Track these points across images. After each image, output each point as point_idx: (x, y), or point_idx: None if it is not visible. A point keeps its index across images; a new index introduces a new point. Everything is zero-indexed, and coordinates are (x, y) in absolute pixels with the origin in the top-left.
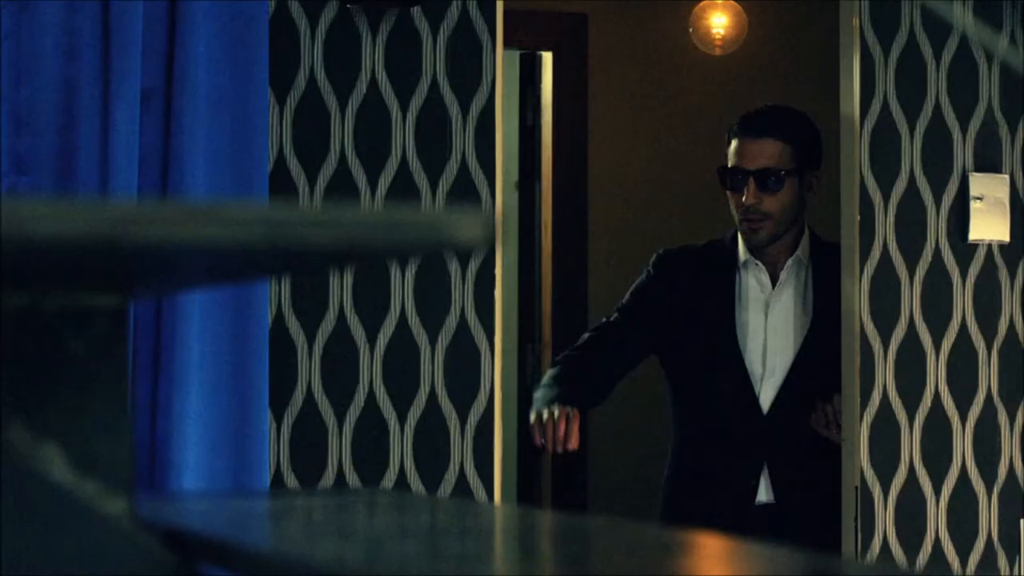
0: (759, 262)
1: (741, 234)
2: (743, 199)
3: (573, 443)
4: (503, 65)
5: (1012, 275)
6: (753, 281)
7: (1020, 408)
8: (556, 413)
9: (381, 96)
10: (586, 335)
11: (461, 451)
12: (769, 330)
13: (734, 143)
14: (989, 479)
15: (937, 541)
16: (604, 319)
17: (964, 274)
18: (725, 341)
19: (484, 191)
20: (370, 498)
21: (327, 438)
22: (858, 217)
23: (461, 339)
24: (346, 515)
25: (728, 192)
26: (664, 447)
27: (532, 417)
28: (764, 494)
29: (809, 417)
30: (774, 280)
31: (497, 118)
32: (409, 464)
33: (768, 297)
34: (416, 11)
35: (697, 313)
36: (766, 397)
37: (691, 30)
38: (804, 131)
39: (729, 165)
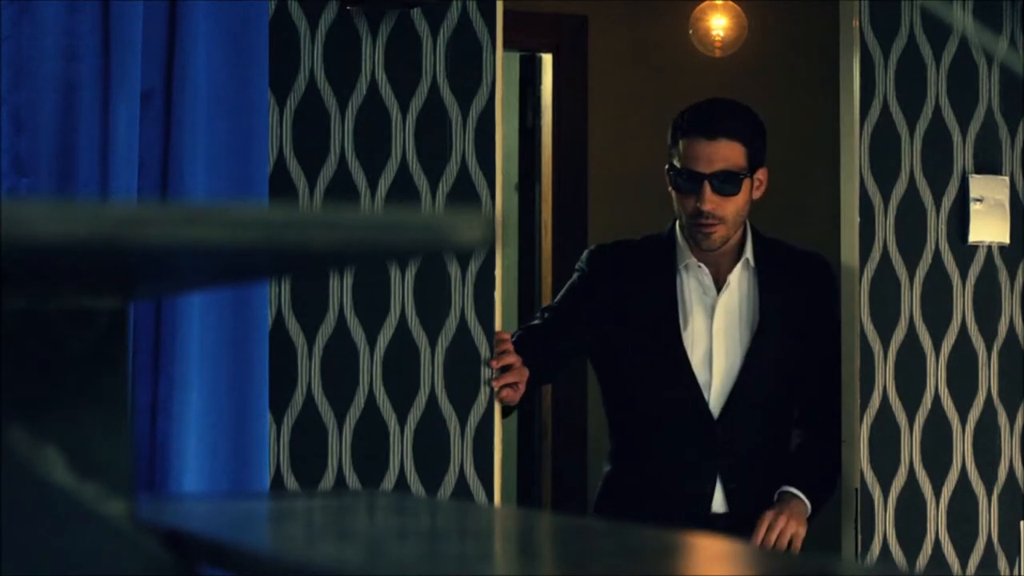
0: (702, 264)
1: (691, 237)
2: (697, 203)
3: (508, 390)
4: (503, 66)
5: (1012, 277)
6: (696, 284)
7: (1020, 410)
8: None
9: (381, 97)
10: (515, 333)
11: (461, 453)
12: (715, 334)
13: (683, 143)
14: (989, 481)
15: (937, 543)
16: (534, 319)
17: (964, 276)
18: (670, 347)
19: (484, 192)
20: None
21: (327, 439)
22: (858, 219)
23: (461, 341)
24: (346, 517)
25: (676, 193)
26: None
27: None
28: (720, 504)
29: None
30: (718, 283)
31: (497, 119)
32: (409, 466)
33: (713, 301)
34: (416, 12)
35: (637, 316)
36: (716, 404)
37: (691, 32)
38: (755, 129)
39: (680, 166)
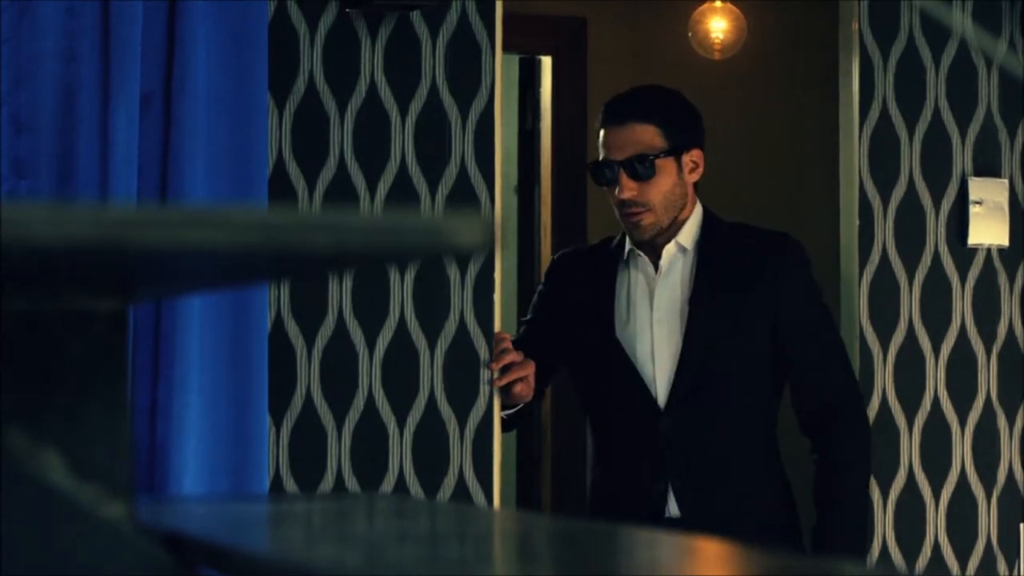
0: (642, 254)
1: (626, 231)
2: (617, 192)
3: (520, 384)
4: (502, 69)
5: (1011, 279)
6: (639, 275)
7: (1019, 412)
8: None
9: (380, 100)
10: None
11: (460, 455)
12: (655, 324)
13: (600, 136)
14: (988, 483)
15: (936, 545)
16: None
17: (963, 278)
18: (608, 343)
19: (483, 195)
20: (369, 502)
21: (326, 442)
22: (857, 221)
23: (460, 343)
24: (345, 519)
25: (606, 190)
26: None
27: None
28: (673, 507)
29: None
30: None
31: (496, 122)
32: (408, 468)
33: (656, 289)
34: (415, 15)
35: (585, 315)
36: (662, 397)
37: (690, 34)
38: (672, 109)
39: (599, 159)
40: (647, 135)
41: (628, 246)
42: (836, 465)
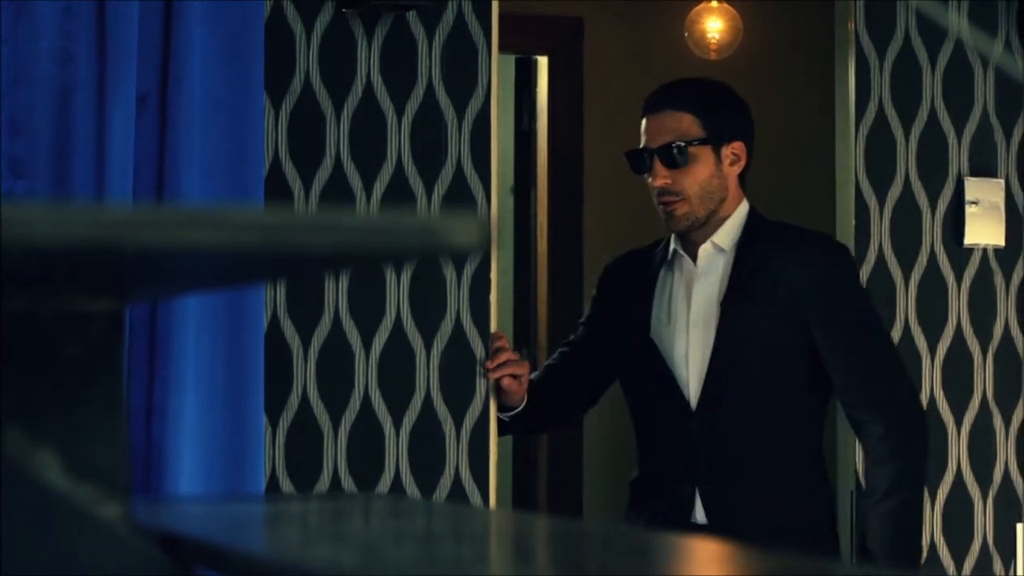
0: (685, 254)
1: (663, 221)
2: (651, 180)
3: (510, 381)
4: (498, 69)
5: (1007, 279)
6: (679, 276)
7: (1015, 412)
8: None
9: (376, 100)
10: (556, 352)
11: (456, 455)
12: (690, 325)
13: (642, 124)
14: (984, 483)
15: (933, 545)
16: (572, 334)
17: (959, 278)
18: (647, 342)
19: (479, 195)
20: (365, 502)
21: (322, 442)
22: (853, 221)
23: (456, 344)
24: (341, 519)
25: (646, 180)
26: None
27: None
28: (700, 512)
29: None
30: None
31: (492, 122)
32: (404, 468)
33: (694, 289)
34: (411, 15)
35: (625, 317)
36: (694, 398)
37: (686, 34)
38: (713, 98)
39: (634, 149)
40: (683, 123)
41: (672, 247)
42: (878, 466)
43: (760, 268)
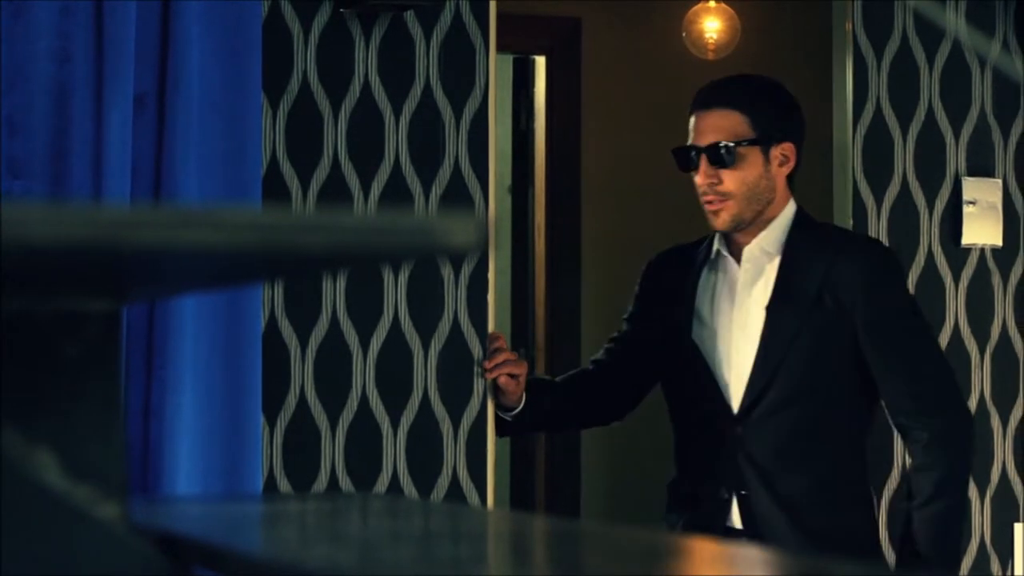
0: (728, 255)
1: (707, 220)
2: (699, 180)
3: (504, 380)
4: (496, 69)
5: (1005, 279)
6: (723, 277)
7: (1013, 412)
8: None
9: (374, 100)
10: (601, 350)
11: (454, 455)
12: (734, 328)
13: (691, 120)
14: (982, 483)
15: None
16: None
17: (957, 278)
18: (688, 344)
19: (477, 195)
20: (363, 502)
21: (320, 442)
22: (851, 221)
23: (454, 343)
24: (339, 519)
25: (693, 175)
26: (656, 451)
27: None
28: (736, 516)
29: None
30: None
31: (490, 122)
32: (402, 468)
33: (738, 290)
34: (409, 15)
35: (666, 316)
36: (736, 401)
37: (684, 34)
38: (764, 98)
39: (682, 146)
40: (732, 122)
41: (716, 247)
42: (923, 471)
43: (807, 272)
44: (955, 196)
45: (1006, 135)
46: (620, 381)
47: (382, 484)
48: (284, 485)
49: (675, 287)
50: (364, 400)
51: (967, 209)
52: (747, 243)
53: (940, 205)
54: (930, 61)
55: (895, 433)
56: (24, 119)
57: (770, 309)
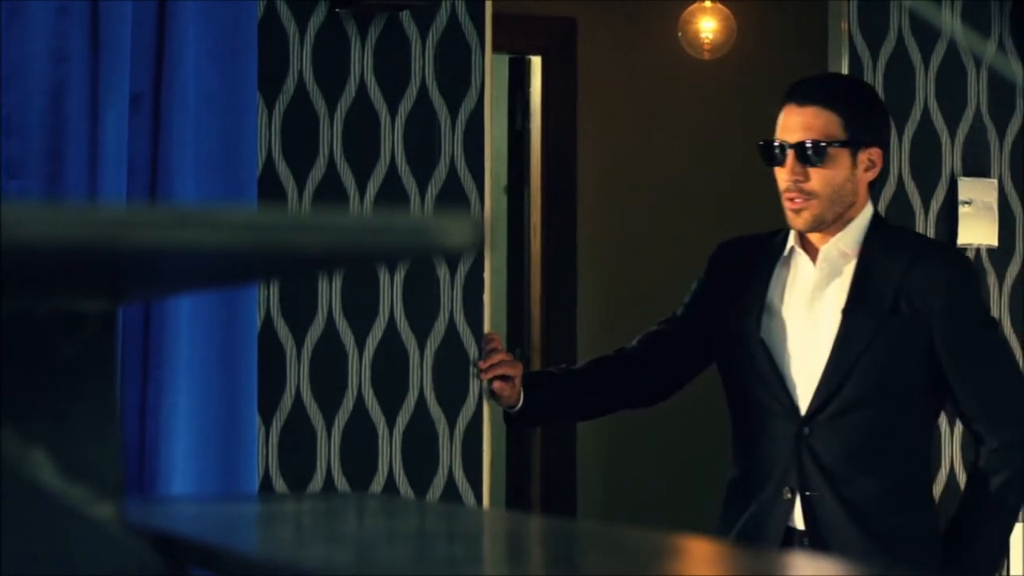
0: (804, 252)
1: (786, 217)
2: (784, 176)
3: (497, 383)
4: (492, 69)
5: (1000, 279)
6: (796, 274)
7: None
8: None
9: (370, 100)
10: (652, 328)
11: (450, 455)
12: (806, 328)
13: (780, 115)
14: None
15: None
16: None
17: None
18: (756, 340)
19: (473, 195)
20: (359, 502)
21: (316, 442)
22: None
23: (450, 344)
24: (335, 519)
25: (774, 170)
26: (652, 450)
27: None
28: (798, 517)
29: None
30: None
31: (486, 122)
32: (398, 468)
33: (811, 290)
34: (405, 15)
35: (734, 308)
36: (803, 401)
37: (680, 34)
38: (859, 100)
39: (771, 138)
40: (825, 121)
41: (791, 243)
42: (985, 475)
43: (884, 276)
44: (951, 196)
45: (1002, 135)
46: (667, 362)
47: (378, 484)
48: (280, 485)
49: (746, 278)
50: (360, 400)
51: (963, 209)
52: (822, 242)
53: (936, 205)
54: (926, 61)
55: (942, 435)
56: (20, 119)
57: (846, 312)
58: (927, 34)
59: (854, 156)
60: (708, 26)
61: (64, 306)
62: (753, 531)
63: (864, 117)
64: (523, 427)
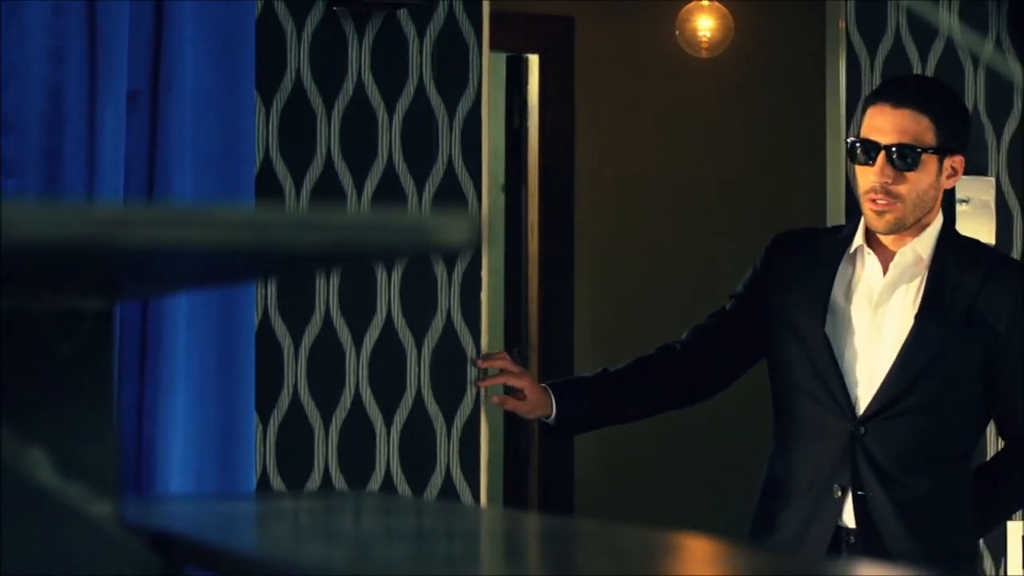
0: (872, 251)
1: (865, 216)
2: (872, 176)
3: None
4: (489, 67)
5: None
6: (864, 273)
7: None
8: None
9: (367, 98)
10: (701, 322)
11: (447, 453)
12: (873, 329)
13: (868, 111)
14: None
15: None
16: (723, 306)
17: None
18: (819, 335)
19: (470, 194)
20: (356, 501)
21: (313, 440)
22: (844, 220)
23: (447, 342)
24: (332, 518)
25: (856, 168)
26: (649, 449)
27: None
28: (849, 516)
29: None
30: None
31: (483, 121)
32: (395, 466)
33: (880, 291)
34: (402, 13)
35: (796, 300)
36: (863, 401)
37: (677, 33)
38: (950, 107)
39: (859, 136)
40: (920, 125)
41: (858, 241)
42: (1010, 482)
43: (958, 286)
44: (948, 195)
45: (999, 134)
46: (718, 356)
47: (375, 482)
48: (277, 483)
49: (807, 270)
50: (357, 398)
51: (960, 208)
52: (896, 245)
53: None
54: (923, 60)
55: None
56: (18, 118)
57: (919, 318)
58: (925, 33)
59: (940, 163)
60: (706, 24)
61: (61, 304)
62: (801, 528)
63: (954, 124)
64: (564, 436)
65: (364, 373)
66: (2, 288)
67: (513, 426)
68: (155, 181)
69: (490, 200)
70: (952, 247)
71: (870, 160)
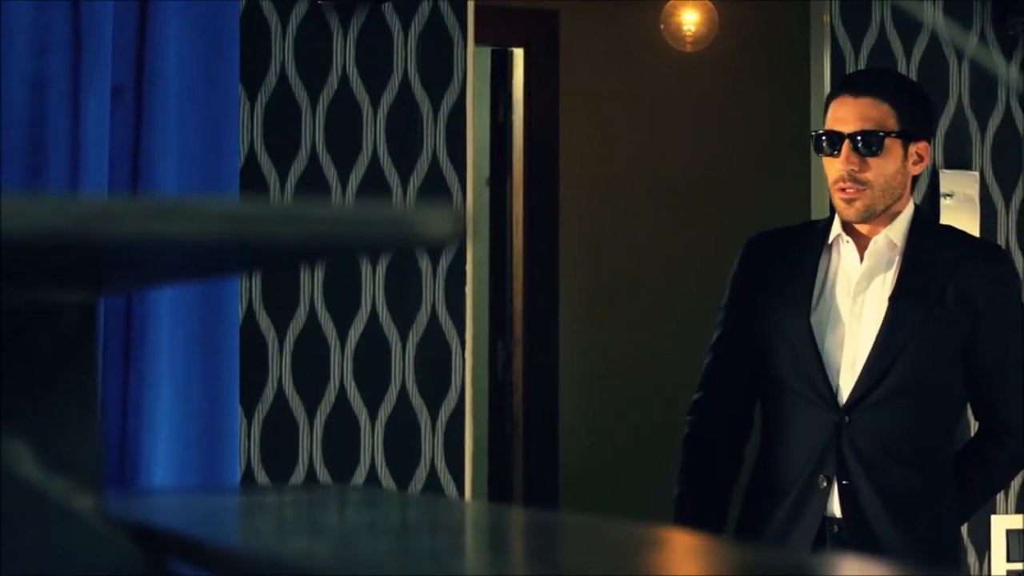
0: (850, 240)
1: (835, 206)
2: (838, 165)
3: None
4: (474, 61)
5: None
6: (842, 262)
7: None
8: None
9: (352, 92)
10: (702, 373)
11: (432, 447)
12: (852, 316)
13: (831, 105)
14: None
15: None
16: (715, 333)
17: None
18: (803, 325)
19: (455, 187)
20: (341, 494)
21: (298, 434)
22: (829, 214)
23: (432, 336)
24: (316, 511)
25: (824, 160)
26: (634, 443)
27: None
28: (835, 505)
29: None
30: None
31: (468, 114)
32: (380, 460)
33: (857, 279)
34: (387, 7)
35: (780, 294)
36: (845, 389)
37: (662, 27)
38: (911, 93)
39: (824, 128)
40: (881, 112)
41: (835, 232)
42: (985, 466)
43: (933, 266)
44: (932, 189)
45: (983, 128)
46: (743, 395)
47: (360, 476)
48: (262, 477)
49: (789, 267)
50: (342, 392)
51: (944, 202)
52: (871, 233)
53: (917, 198)
54: (907, 54)
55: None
56: (1, 111)
57: (894, 299)
58: (909, 27)
59: (905, 148)
60: (690, 19)
61: (44, 298)
62: (788, 520)
63: (916, 111)
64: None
65: (349, 367)
66: None
67: (498, 420)
68: (139, 175)
69: (475, 194)
70: (927, 232)
71: (835, 150)
